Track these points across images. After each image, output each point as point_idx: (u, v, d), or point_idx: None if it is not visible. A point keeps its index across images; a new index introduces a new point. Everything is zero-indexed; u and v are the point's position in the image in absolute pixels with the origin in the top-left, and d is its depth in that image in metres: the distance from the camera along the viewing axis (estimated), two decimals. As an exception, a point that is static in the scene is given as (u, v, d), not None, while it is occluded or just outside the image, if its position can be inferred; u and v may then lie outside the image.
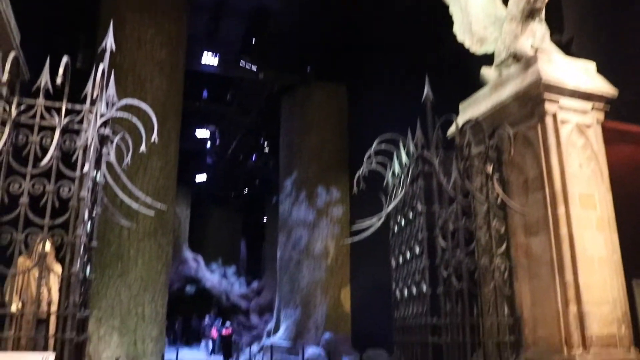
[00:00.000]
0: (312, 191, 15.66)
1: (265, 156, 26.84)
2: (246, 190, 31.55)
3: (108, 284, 9.76)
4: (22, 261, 6.85)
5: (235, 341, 19.67)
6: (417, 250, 6.61)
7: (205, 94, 22.59)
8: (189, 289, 28.22)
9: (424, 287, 6.32)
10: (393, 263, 7.82)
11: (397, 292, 7.58)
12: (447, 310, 6.02)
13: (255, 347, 16.65)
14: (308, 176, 15.94)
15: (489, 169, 6.55)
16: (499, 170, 6.63)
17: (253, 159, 28.02)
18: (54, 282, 7.67)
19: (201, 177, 30.06)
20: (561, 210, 5.91)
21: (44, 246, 5.06)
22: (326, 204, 15.42)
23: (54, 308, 5.54)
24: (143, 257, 10.18)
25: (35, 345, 4.98)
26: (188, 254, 28.35)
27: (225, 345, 23.33)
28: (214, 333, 24.05)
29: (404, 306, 7.12)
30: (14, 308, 6.45)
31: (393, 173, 7.75)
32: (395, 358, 7.73)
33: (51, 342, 4.92)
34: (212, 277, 28.87)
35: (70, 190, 5.07)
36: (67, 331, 4.77)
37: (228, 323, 25.54)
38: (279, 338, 14.71)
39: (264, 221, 33.11)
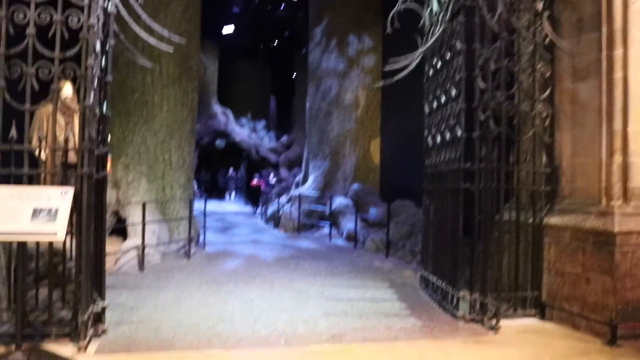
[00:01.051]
0: (343, 39, 14.86)
1: (294, 5, 25.59)
2: (275, 43, 30.56)
3: (134, 131, 9.62)
4: (46, 111, 6.71)
5: (265, 193, 20.07)
6: (454, 92, 6.18)
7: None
8: (219, 142, 28.52)
9: (459, 132, 5.98)
10: (426, 109, 7.45)
11: (429, 139, 7.29)
12: (482, 155, 5.71)
13: (284, 198, 16.92)
14: (339, 23, 15.05)
15: (539, 5, 5.92)
16: (550, 8, 5.99)
17: (281, 7, 26.78)
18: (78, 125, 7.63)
19: (228, 29, 29.07)
20: (618, 52, 5.33)
21: (57, 80, 4.75)
22: (357, 52, 14.69)
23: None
24: (168, 104, 9.92)
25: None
26: (217, 108, 28.27)
27: (253, 196, 24.26)
28: (256, 182, 24.82)
29: (436, 153, 6.84)
30: (43, 156, 6.44)
31: (430, 11, 7.11)
32: (425, 207, 7.64)
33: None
34: (242, 131, 28.98)
35: (79, 20, 4.69)
36: (84, 166, 4.59)
37: (257, 175, 26.17)
38: (307, 189, 14.80)
39: (294, 75, 32.43)
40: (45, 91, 4.84)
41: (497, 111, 5.67)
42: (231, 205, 25.76)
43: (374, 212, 12.57)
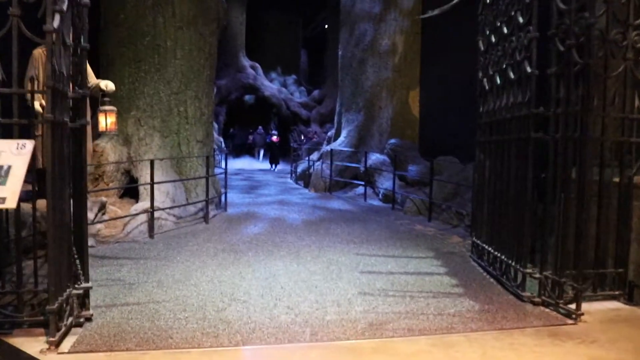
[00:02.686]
0: (379, -22, 13.40)
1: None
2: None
3: (145, 80, 8.60)
4: (39, 53, 5.83)
5: (295, 148, 18.95)
6: (521, 19, 4.92)
7: None
8: (248, 98, 27.41)
9: (528, 68, 4.74)
10: (481, 45, 6.20)
11: (486, 81, 6.06)
12: (560, 96, 4.50)
13: (315, 155, 15.84)
14: (374, -40, 13.57)
15: None
16: None
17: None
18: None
19: (256, -23, 27.60)
20: None
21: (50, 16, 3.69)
22: (395, -7, 13.22)
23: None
24: (182, 49, 8.83)
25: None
26: (245, 62, 27.04)
27: (272, 152, 23.53)
28: (275, 139, 23.86)
29: (495, 97, 5.62)
30: (37, 106, 5.59)
31: None
32: (478, 163, 6.49)
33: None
34: (271, 85, 27.76)
35: None
36: (52, 111, 3.53)
37: (274, 131, 25.25)
38: (340, 144, 13.61)
39: (325, 27, 30.86)
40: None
41: (582, 39, 4.40)
42: (260, 164, 24.85)
43: (413, 169, 11.40)
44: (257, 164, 24.68)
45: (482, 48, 6.16)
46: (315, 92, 28.60)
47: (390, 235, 7.82)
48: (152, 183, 7.08)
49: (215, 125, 24.59)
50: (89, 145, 7.59)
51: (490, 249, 5.64)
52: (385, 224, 8.82)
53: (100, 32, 8.97)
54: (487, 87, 5.98)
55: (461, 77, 12.35)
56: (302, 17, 32.40)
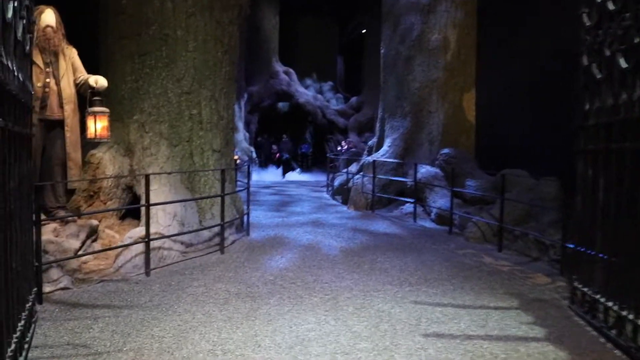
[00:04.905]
0: (427, -36, 11.66)
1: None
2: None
3: (150, 77, 7.11)
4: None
5: (332, 159, 17.20)
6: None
7: None
8: (282, 105, 25.91)
9: None
10: (588, 19, 4.50)
11: (594, 68, 4.33)
12: None
13: (354, 167, 14.16)
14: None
15: None
16: None
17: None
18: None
19: (289, -21, 26.17)
20: None
21: None
22: (446, -21, 11.46)
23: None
24: (195, 40, 7.30)
25: None
26: (278, 67, 25.56)
27: (284, 164, 22.42)
28: (274, 150, 22.81)
29: (615, 88, 3.90)
30: None
31: None
32: (581, 179, 4.75)
33: None
34: (306, 92, 26.20)
35: None
36: None
37: (285, 137, 24.17)
38: (383, 155, 11.85)
39: (363, 31, 29.26)
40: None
41: None
42: (294, 175, 23.25)
43: (472, 184, 9.61)
44: (292, 175, 23.18)
45: (590, 22, 4.44)
46: (353, 99, 26.89)
47: (455, 271, 6.07)
48: (147, 205, 5.50)
49: (247, 134, 23.17)
50: (74, 155, 6.12)
51: (611, 304, 3.89)
52: (445, 254, 7.07)
53: (99, 23, 7.54)
54: (598, 76, 4.25)
55: (529, 74, 10.65)
56: (338, 22, 30.84)
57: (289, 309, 4.57)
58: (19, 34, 3.15)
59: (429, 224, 9.62)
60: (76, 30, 6.68)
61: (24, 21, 3.31)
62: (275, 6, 25.88)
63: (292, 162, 22.98)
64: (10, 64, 2.82)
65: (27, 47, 3.53)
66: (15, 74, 3.05)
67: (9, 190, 2.76)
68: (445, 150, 10.80)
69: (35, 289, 4.11)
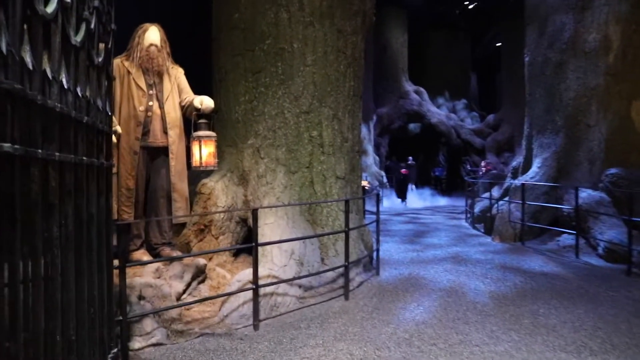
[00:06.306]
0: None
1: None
2: (473, 5, 25.67)
3: (265, 97, 6.37)
4: (117, 63, 4.27)
5: (469, 183, 15.64)
6: None
7: None
8: (413, 126, 24.68)
9: None
10: None
11: None
12: None
13: (496, 191, 12.59)
14: None
15: None
16: None
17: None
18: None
19: (418, -5, 25.06)
20: None
21: None
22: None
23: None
24: (314, 52, 6.46)
25: None
26: (408, 87, 24.43)
27: (401, 186, 20.72)
28: (403, 171, 20.85)
29: None
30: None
31: None
32: None
33: None
34: (439, 112, 24.78)
35: None
36: None
37: (410, 159, 22.38)
38: (532, 177, 10.20)
39: (498, 44, 27.38)
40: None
41: None
42: (441, 200, 21.69)
43: (652, 211, 7.78)
44: (438, 199, 21.68)
45: None
46: (490, 117, 25.00)
47: (653, 334, 4.54)
48: (256, 245, 4.63)
49: (377, 158, 22.19)
50: (180, 186, 5.46)
51: None
52: (630, 305, 5.48)
53: (212, 41, 6.98)
54: None
55: None
56: (471, 35, 29.16)
57: (430, 389, 3.42)
58: (79, 37, 2.42)
59: (595, 261, 7.89)
60: (187, 49, 6.13)
61: (92, 25, 2.61)
62: (403, 22, 24.91)
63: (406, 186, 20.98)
64: (51, 73, 2.07)
65: (99, 59, 2.82)
66: (66, 86, 2.29)
67: (55, 235, 1.98)
68: (613, 170, 8.97)
69: (115, 349, 3.35)
